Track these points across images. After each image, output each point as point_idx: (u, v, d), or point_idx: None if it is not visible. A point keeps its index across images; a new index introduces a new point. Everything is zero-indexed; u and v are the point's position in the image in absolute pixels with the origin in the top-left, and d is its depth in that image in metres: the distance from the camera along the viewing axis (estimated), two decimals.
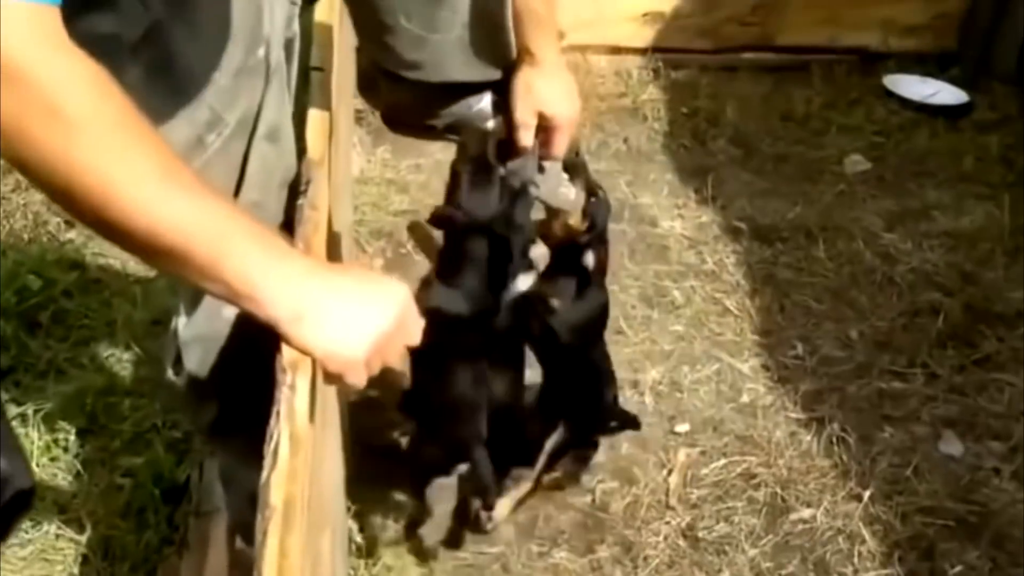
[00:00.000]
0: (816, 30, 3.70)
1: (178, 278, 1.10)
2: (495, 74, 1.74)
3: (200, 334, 1.57)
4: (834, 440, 2.34)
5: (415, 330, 1.18)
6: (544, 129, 1.75)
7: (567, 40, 3.55)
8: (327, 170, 1.60)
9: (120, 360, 2.40)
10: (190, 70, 1.39)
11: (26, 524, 2.06)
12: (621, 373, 2.47)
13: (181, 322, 1.60)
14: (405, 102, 1.81)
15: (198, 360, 1.59)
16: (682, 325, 2.65)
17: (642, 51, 3.63)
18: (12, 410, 2.24)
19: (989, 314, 2.69)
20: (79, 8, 1.37)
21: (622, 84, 3.52)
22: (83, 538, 2.05)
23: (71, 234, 2.72)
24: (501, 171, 1.76)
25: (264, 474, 1.05)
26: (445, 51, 1.70)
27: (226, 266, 1.05)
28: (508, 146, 1.77)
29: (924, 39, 3.74)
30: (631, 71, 3.58)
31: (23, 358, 2.37)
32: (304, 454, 1.11)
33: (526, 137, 1.75)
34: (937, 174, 3.26)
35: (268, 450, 1.08)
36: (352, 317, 1.12)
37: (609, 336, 2.55)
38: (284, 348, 1.15)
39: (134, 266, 2.59)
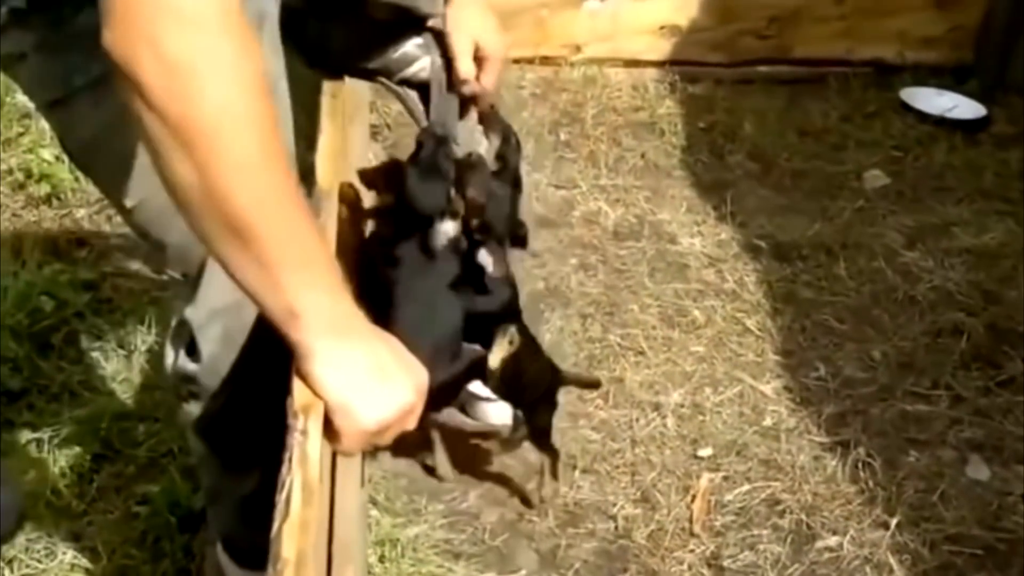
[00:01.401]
0: (832, 43, 3.67)
1: (232, 270, 1.07)
2: (432, 11, 1.78)
3: (216, 308, 1.50)
4: (859, 465, 2.31)
5: (415, 420, 1.16)
6: (478, 61, 1.80)
7: (584, 53, 3.56)
8: (336, 200, 1.57)
9: (134, 383, 2.36)
10: None
11: (40, 553, 2.03)
12: (643, 395, 2.46)
13: (188, 311, 1.54)
14: (336, 43, 1.79)
15: (218, 340, 1.52)
16: (703, 346, 2.61)
17: (659, 64, 3.60)
18: (27, 434, 2.21)
19: (1013, 334, 2.65)
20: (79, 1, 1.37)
21: (639, 98, 3.49)
22: (98, 568, 2.01)
23: (83, 253, 2.69)
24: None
25: (275, 524, 1.03)
26: None
27: (290, 277, 1.04)
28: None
29: (940, 51, 3.71)
30: (647, 84, 3.55)
31: (36, 380, 2.34)
32: (318, 503, 1.08)
33: (466, 64, 1.79)
34: (956, 189, 3.22)
35: (280, 499, 1.05)
36: (376, 385, 1.10)
37: (630, 357, 2.55)
38: (296, 392, 1.12)
39: (147, 286, 2.56)
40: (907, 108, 3.55)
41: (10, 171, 2.82)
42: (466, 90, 1.81)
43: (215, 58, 0.98)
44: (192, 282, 1.53)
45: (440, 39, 1.84)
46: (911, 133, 3.45)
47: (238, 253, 1.05)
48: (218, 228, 1.04)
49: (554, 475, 2.19)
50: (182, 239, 1.51)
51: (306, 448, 1.09)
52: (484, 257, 1.81)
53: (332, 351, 1.08)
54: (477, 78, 1.81)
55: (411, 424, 1.16)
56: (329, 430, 1.11)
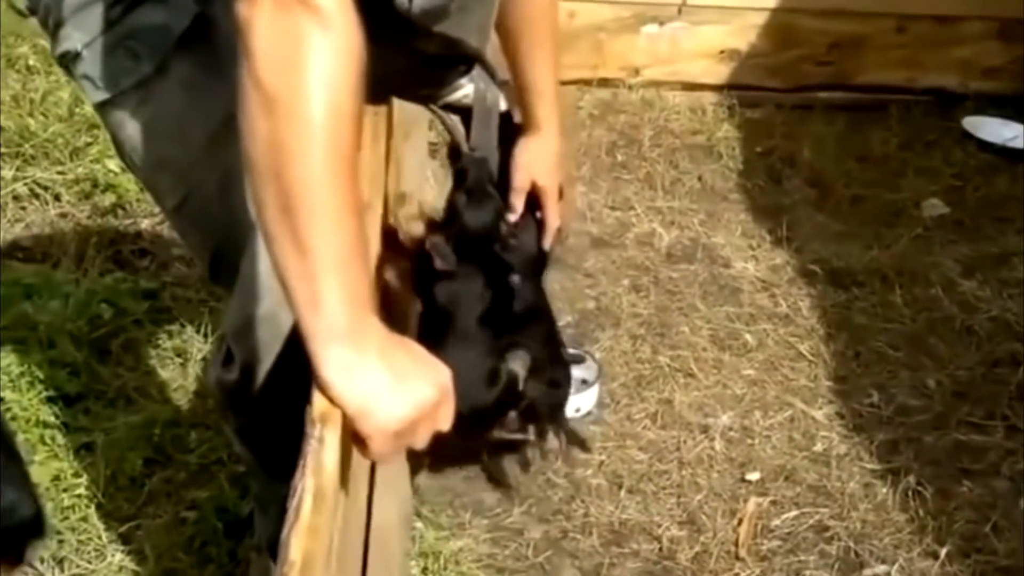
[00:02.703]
0: (893, 71, 3.63)
1: (273, 249, 1.12)
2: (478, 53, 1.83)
3: (252, 318, 1.53)
4: (910, 493, 2.27)
5: (447, 417, 1.17)
6: (535, 194, 1.96)
7: (642, 76, 3.57)
8: (375, 215, 1.59)
9: (188, 391, 2.40)
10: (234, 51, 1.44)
11: (90, 554, 2.07)
12: (691, 417, 2.45)
13: (223, 319, 1.61)
14: (381, 71, 1.83)
15: (254, 349, 1.56)
16: (754, 369, 2.59)
17: (717, 88, 3.59)
18: (81, 438, 2.25)
19: None
20: (132, 1, 1.42)
21: (696, 121, 3.48)
22: (146, 570, 2.04)
23: (145, 263, 2.74)
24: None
25: (285, 529, 1.04)
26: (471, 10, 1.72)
27: (323, 271, 1.08)
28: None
29: (1002, 81, 3.66)
30: (706, 108, 3.53)
31: (93, 386, 2.38)
32: (329, 510, 1.08)
33: (519, 202, 1.95)
34: (1017, 220, 3.16)
35: (291, 504, 1.06)
36: (391, 386, 1.11)
37: (679, 379, 2.54)
38: (316, 401, 1.13)
39: (205, 296, 2.61)
40: (969, 137, 3.50)
41: (77, 181, 2.89)
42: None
43: (321, 43, 1.08)
44: (225, 287, 1.57)
45: (487, 68, 1.89)
46: (972, 162, 3.40)
47: (283, 231, 1.09)
48: (272, 199, 1.09)
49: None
50: (219, 244, 1.55)
51: (321, 456, 1.09)
52: (516, 280, 1.84)
53: (346, 358, 1.10)
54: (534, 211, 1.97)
55: (443, 423, 1.17)
56: (357, 439, 1.12)
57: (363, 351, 1.10)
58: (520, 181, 1.95)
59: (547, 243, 2.01)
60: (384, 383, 1.10)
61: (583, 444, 2.31)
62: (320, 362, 1.10)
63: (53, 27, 1.52)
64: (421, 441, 1.15)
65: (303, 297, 1.09)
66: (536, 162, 1.96)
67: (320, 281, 1.08)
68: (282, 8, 1.07)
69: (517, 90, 1.93)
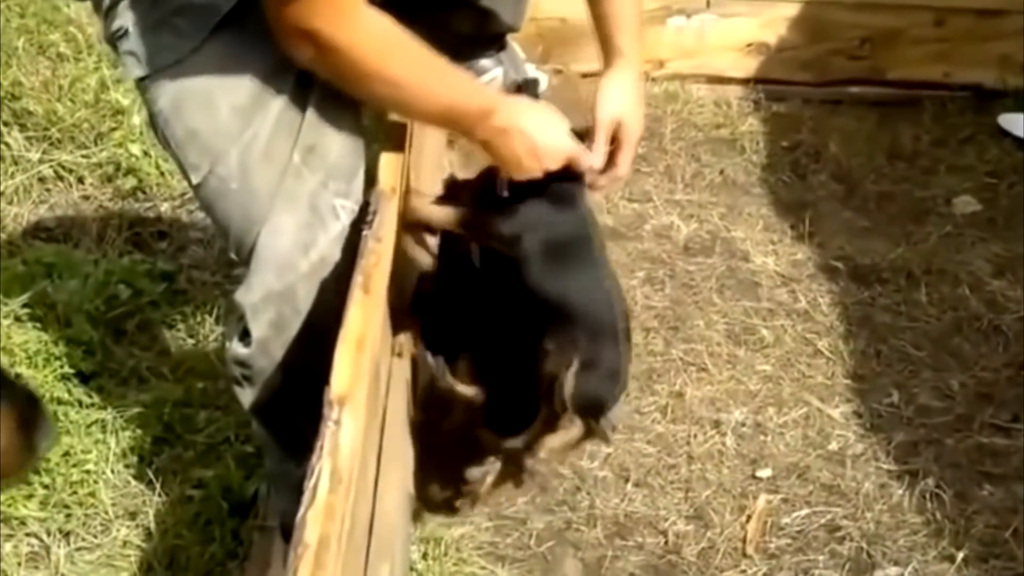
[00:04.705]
0: (928, 66, 3.56)
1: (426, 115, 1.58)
2: (510, 31, 1.87)
3: (268, 293, 1.59)
4: (928, 496, 2.23)
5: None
6: (616, 137, 1.75)
7: (666, 69, 3.52)
8: (396, 203, 1.60)
9: (199, 372, 2.41)
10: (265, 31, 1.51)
11: (96, 528, 2.10)
12: (703, 412, 2.42)
13: (239, 294, 1.63)
14: None
15: (270, 324, 1.61)
16: (770, 365, 2.55)
17: (743, 81, 3.53)
18: (93, 415, 2.28)
19: None
20: None
21: (721, 115, 3.42)
22: (150, 546, 2.06)
23: (163, 245, 2.77)
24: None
25: (301, 510, 1.04)
26: None
27: (467, 99, 1.53)
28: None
29: None
30: (731, 101, 3.48)
31: (107, 364, 2.40)
32: (349, 493, 1.08)
33: (602, 143, 1.74)
34: None
35: (308, 486, 1.06)
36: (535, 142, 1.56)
37: (692, 373, 2.51)
38: (333, 383, 1.14)
39: (221, 280, 2.62)
40: (1005, 135, 3.42)
41: (100, 164, 2.92)
42: (595, 181, 1.73)
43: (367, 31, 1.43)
44: (245, 264, 1.59)
45: (512, 53, 1.91)
46: (1007, 160, 3.32)
47: (430, 102, 1.51)
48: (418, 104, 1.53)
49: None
50: (241, 220, 1.59)
51: (338, 437, 1.13)
52: None
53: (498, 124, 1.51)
54: (611, 156, 1.76)
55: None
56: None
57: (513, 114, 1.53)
58: (604, 117, 1.73)
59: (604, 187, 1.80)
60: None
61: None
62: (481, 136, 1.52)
63: (108, 6, 1.57)
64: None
65: (472, 113, 1.50)
66: (621, 97, 1.75)
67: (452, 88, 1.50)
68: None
69: (594, 20, 1.78)
